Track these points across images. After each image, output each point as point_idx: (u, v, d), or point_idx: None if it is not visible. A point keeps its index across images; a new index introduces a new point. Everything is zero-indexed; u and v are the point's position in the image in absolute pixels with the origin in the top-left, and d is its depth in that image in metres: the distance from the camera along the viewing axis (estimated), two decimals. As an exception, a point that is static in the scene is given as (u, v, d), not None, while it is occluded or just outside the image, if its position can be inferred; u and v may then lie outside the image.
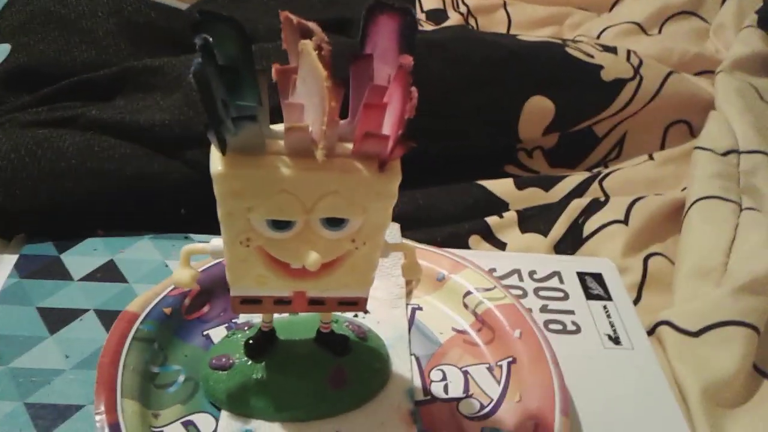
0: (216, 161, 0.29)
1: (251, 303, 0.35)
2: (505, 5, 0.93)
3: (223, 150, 0.28)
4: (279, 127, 0.30)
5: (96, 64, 0.59)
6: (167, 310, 0.42)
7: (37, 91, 0.57)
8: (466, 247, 0.55)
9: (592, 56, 0.68)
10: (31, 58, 0.59)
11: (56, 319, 0.43)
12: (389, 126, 0.29)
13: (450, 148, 0.62)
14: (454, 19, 0.90)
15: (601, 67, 0.67)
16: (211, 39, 0.26)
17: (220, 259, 0.45)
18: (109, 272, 0.47)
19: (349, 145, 0.30)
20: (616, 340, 0.45)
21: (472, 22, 0.91)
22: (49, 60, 0.59)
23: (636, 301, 0.52)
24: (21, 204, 0.48)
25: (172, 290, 0.43)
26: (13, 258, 0.47)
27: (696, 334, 0.46)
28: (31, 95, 0.57)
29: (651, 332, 0.48)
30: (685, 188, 0.62)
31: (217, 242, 0.34)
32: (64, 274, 0.46)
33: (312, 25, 0.29)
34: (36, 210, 0.49)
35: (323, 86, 0.27)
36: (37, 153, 0.49)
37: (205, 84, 0.26)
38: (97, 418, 0.34)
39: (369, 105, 0.29)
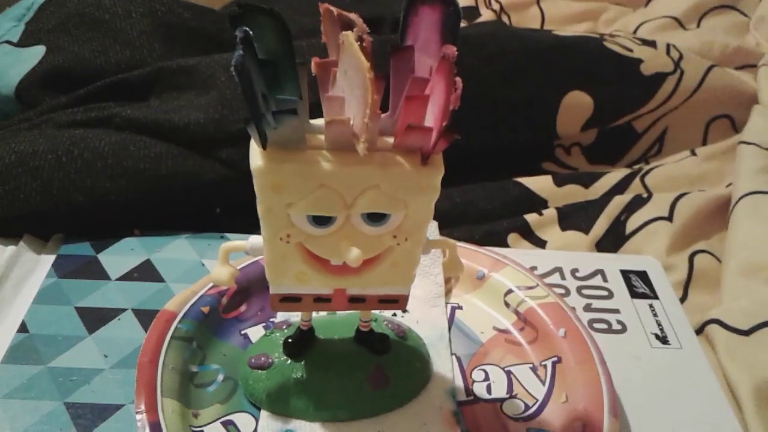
0: (256, 156, 0.28)
1: (291, 301, 0.34)
2: (538, 1, 0.92)
3: (263, 144, 0.28)
4: (319, 122, 0.29)
5: (130, 65, 0.59)
6: (205, 309, 0.41)
7: (72, 92, 0.57)
8: (505, 245, 0.54)
9: (630, 50, 0.66)
10: (66, 60, 0.59)
11: (94, 318, 0.42)
12: (432, 118, 0.28)
13: (486, 144, 0.61)
14: (486, 16, 0.89)
15: (640, 60, 0.65)
16: (251, 32, 0.26)
17: (258, 258, 0.45)
18: (146, 272, 0.46)
19: (390, 139, 0.29)
20: (663, 340, 0.44)
21: (504, 18, 0.90)
22: (84, 61, 0.59)
23: (682, 300, 0.50)
24: (58, 204, 0.48)
25: (209, 289, 0.42)
26: (50, 258, 0.47)
27: (747, 333, 0.45)
28: (67, 96, 0.57)
29: (699, 331, 0.47)
30: (730, 184, 0.60)
31: (255, 240, 0.33)
32: (101, 274, 0.46)
33: (353, 16, 0.28)
34: (73, 210, 0.49)
35: (366, 77, 0.26)
36: (74, 153, 0.49)
37: (246, 77, 0.25)
38: (138, 417, 0.34)
39: (411, 97, 0.28)
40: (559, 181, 0.60)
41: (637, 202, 0.57)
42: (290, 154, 0.28)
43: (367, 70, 0.26)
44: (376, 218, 0.30)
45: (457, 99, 0.26)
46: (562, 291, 0.47)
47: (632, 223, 0.56)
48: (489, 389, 0.40)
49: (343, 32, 0.27)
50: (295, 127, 0.28)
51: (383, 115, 0.29)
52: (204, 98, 0.54)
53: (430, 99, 0.28)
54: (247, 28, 0.26)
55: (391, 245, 0.31)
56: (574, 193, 0.60)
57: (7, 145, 0.50)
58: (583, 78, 0.63)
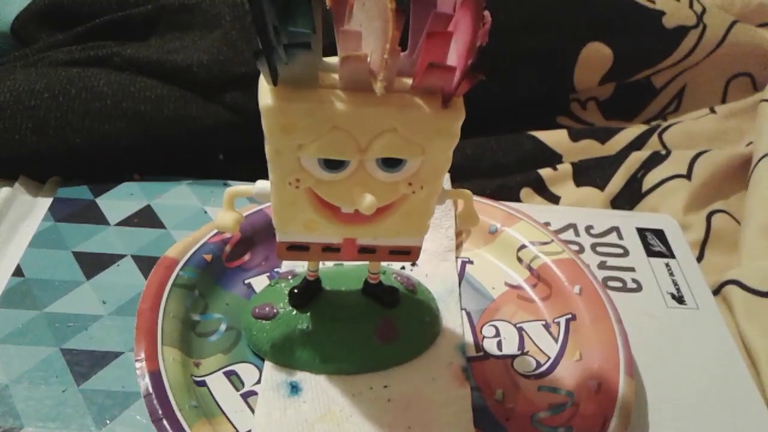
0: (265, 94, 0.26)
1: (298, 249, 0.32)
2: (555, -50, 0.88)
3: (274, 80, 0.26)
4: (333, 60, 0.27)
5: (130, 2, 0.57)
6: (208, 257, 0.40)
7: (70, 30, 0.55)
8: (517, 200, 0.53)
9: (653, 1, 0.63)
10: (64, -5, 0.57)
11: (92, 263, 0.41)
12: (455, 57, 0.26)
13: (501, 96, 0.59)
14: (501, -37, 0.86)
15: (662, 13, 0.63)
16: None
17: (263, 205, 0.43)
18: (146, 217, 0.45)
19: (409, 80, 0.27)
20: (679, 299, 0.43)
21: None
22: (83, -3, 0.57)
23: (698, 260, 0.49)
24: (55, 145, 0.46)
25: (212, 237, 0.41)
26: (47, 201, 0.46)
27: (766, 294, 0.43)
28: (64, 34, 0.55)
29: (716, 292, 0.46)
30: (750, 143, 0.58)
31: (262, 185, 0.32)
32: (99, 219, 0.44)
33: (373, -58, 0.26)
34: (70, 151, 0.47)
35: (387, 8, 0.24)
36: (71, 92, 0.47)
37: (257, 5, 0.23)
38: (138, 365, 0.33)
39: (432, 33, 0.26)
40: (575, 136, 0.58)
41: (655, 159, 0.55)
42: (302, 93, 0.26)
43: (388, 1, 0.24)
44: (391, 164, 0.28)
45: (485, 34, 0.25)
46: (577, 248, 0.46)
47: (649, 181, 0.54)
48: (500, 345, 0.39)
49: (363, -41, 0.25)
50: (307, 63, 0.26)
51: (402, 54, 0.27)
52: (208, 39, 0.51)
53: (453, 36, 0.26)
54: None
55: (406, 193, 0.30)
56: (590, 149, 0.58)
57: (2, 83, 0.47)
58: (604, 29, 0.61)
